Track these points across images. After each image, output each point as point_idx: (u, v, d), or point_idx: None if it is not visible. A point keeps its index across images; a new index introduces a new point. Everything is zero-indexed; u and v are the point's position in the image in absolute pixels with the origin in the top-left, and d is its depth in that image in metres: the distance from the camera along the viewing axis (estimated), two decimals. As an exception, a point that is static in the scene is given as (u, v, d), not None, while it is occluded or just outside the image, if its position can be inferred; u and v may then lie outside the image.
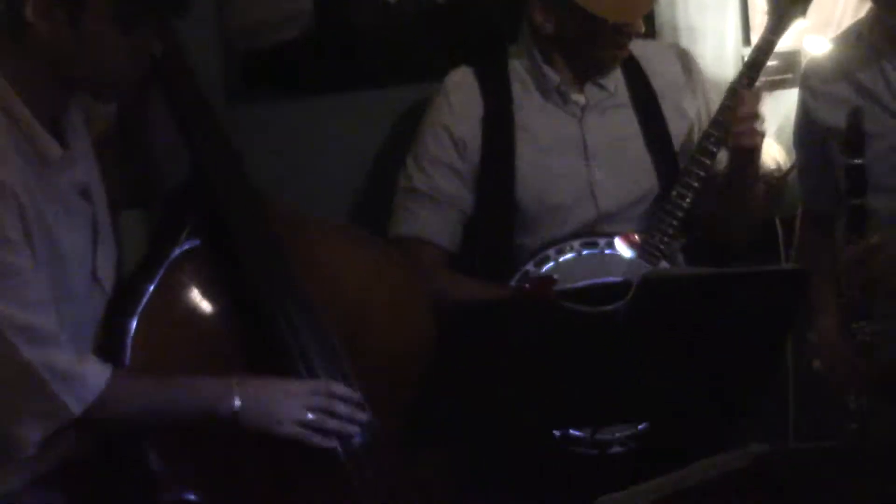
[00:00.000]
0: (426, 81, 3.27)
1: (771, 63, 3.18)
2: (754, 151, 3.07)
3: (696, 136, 3.17)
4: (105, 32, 2.27)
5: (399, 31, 3.42)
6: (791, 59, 3.53)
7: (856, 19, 3.16)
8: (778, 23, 3.09)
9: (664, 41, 3.52)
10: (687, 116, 3.22)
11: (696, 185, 3.04)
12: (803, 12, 3.10)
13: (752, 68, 3.08)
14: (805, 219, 3.24)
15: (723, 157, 3.10)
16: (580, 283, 2.58)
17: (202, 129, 2.56)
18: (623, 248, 2.99)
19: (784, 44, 3.17)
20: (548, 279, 2.60)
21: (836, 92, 2.98)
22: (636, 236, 3.01)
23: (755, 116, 3.02)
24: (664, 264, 3.03)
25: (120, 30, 2.27)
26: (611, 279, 2.83)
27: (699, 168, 3.04)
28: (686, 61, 3.28)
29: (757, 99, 3.05)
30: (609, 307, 2.32)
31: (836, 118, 2.91)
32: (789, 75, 3.55)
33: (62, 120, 2.37)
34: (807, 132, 3.12)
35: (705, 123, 3.14)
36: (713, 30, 3.61)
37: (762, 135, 3.06)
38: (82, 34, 2.26)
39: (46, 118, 2.31)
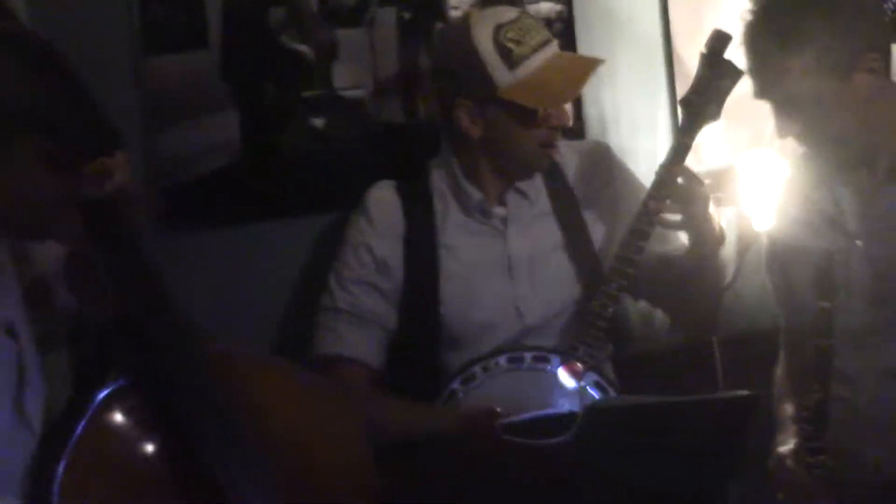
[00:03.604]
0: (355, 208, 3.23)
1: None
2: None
3: (616, 239, 3.09)
4: (31, 172, 2.22)
5: (327, 156, 3.38)
6: (724, 177, 3.53)
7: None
8: (691, 124, 3.06)
9: (585, 142, 3.48)
10: (608, 220, 3.18)
11: (618, 294, 2.99)
12: (716, 115, 3.07)
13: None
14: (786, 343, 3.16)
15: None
16: (524, 416, 2.55)
17: (129, 264, 2.49)
18: (567, 379, 2.92)
19: (717, 162, 3.16)
20: (491, 412, 2.58)
21: (797, 215, 2.94)
22: (578, 365, 2.94)
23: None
24: (591, 376, 2.95)
25: (46, 170, 2.22)
26: (555, 411, 2.79)
27: (621, 278, 2.98)
28: (607, 160, 3.26)
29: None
30: (555, 440, 2.31)
31: (801, 239, 2.87)
32: (719, 194, 3.55)
33: None
34: (773, 260, 3.06)
35: (626, 225, 3.05)
36: (644, 150, 3.61)
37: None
38: (6, 172, 2.20)
39: None
